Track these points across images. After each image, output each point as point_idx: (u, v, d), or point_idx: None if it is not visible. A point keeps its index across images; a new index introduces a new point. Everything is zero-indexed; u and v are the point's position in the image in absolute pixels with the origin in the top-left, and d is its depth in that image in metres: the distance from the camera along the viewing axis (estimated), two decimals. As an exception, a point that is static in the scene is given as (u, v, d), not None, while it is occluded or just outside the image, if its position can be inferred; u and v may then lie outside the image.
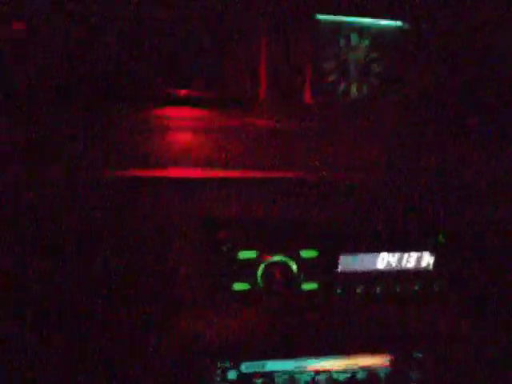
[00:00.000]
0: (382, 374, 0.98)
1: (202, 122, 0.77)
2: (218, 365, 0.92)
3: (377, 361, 0.98)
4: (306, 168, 0.78)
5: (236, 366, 0.92)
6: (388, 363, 0.98)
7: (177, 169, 0.78)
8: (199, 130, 0.77)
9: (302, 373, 0.95)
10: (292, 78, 0.75)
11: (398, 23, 0.83)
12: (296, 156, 0.77)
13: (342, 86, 0.81)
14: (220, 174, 0.77)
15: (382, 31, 0.83)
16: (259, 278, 0.86)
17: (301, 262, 0.87)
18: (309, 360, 0.94)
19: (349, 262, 0.90)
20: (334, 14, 0.78)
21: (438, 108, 0.83)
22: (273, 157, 0.76)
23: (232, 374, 0.93)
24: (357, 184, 0.80)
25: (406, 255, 0.91)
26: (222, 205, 0.81)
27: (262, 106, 0.75)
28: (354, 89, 0.81)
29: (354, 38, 0.83)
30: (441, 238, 0.91)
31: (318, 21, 0.80)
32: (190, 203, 0.81)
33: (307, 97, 0.76)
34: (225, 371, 0.92)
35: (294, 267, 0.87)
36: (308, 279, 0.89)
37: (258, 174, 0.78)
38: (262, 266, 0.86)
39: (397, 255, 0.91)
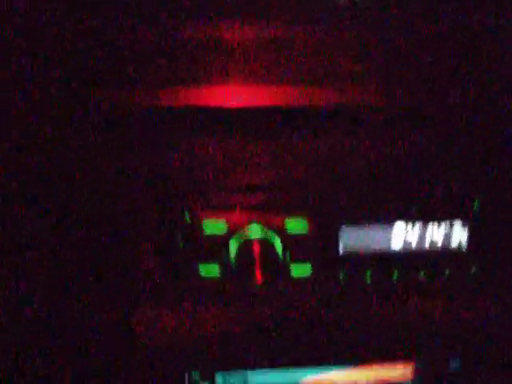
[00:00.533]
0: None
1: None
2: (186, 376, 0.70)
3: (398, 372, 0.74)
4: (287, 90, 0.57)
5: (209, 378, 0.71)
6: (414, 374, 0.74)
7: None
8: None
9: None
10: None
11: None
12: (274, 70, 0.56)
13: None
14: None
15: None
16: (232, 261, 0.65)
17: (287, 237, 0.65)
18: (305, 371, 0.72)
19: (353, 238, 0.67)
20: None
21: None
22: (244, 71, 0.56)
23: (204, 389, 0.71)
24: (359, 116, 0.58)
25: (430, 230, 0.68)
26: (174, 152, 0.60)
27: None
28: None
29: None
30: (477, 204, 0.68)
31: None
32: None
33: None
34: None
35: (279, 245, 0.65)
36: (298, 262, 0.67)
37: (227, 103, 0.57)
38: (234, 244, 0.65)
39: (418, 231, 0.68)
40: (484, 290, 0.71)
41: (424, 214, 0.66)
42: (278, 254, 0.65)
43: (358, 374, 0.73)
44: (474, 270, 0.70)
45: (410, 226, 0.67)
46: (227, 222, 0.64)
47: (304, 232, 0.65)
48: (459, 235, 0.69)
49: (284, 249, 0.65)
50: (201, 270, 0.66)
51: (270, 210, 0.64)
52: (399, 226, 0.67)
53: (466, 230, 0.69)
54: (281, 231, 0.65)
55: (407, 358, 0.74)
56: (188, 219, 0.64)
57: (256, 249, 0.64)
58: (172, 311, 0.68)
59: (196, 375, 0.70)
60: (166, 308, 0.68)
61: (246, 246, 0.64)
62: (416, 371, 0.74)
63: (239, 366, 0.71)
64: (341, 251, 0.67)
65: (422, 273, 0.69)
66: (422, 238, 0.68)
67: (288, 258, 0.66)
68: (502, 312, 0.70)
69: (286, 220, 0.65)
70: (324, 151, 0.61)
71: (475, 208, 0.67)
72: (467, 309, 0.71)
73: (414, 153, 0.63)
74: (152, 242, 0.65)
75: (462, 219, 0.68)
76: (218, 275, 0.66)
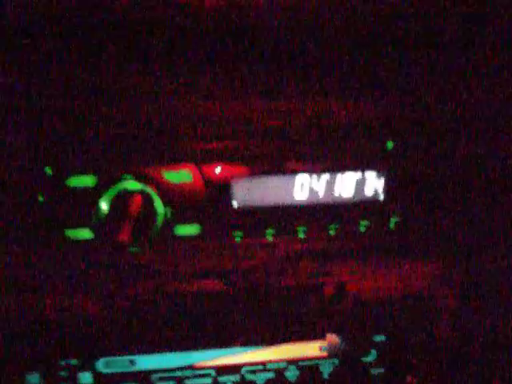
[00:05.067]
0: (325, 370, 0.64)
1: None
2: (62, 363, 0.60)
3: (314, 350, 0.64)
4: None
5: (89, 365, 0.60)
6: (333, 352, 0.64)
7: None
8: None
9: (193, 373, 0.62)
10: None
11: None
12: None
13: None
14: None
15: None
16: (104, 220, 0.55)
17: (168, 188, 0.56)
18: (203, 352, 0.62)
19: (246, 191, 0.58)
20: None
21: None
22: None
23: (84, 377, 0.60)
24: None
25: (339, 177, 0.59)
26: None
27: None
28: None
29: None
30: (390, 144, 0.59)
31: None
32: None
33: None
34: (73, 372, 0.60)
35: (157, 198, 0.56)
36: (184, 219, 0.57)
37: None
38: (106, 200, 0.55)
39: (325, 178, 0.59)
40: (409, 250, 0.62)
41: (332, 164, 0.58)
42: (158, 209, 0.55)
43: (268, 352, 0.63)
44: (393, 226, 0.61)
45: (314, 177, 0.58)
46: (97, 175, 0.55)
47: (187, 182, 0.56)
48: (374, 185, 0.60)
49: (165, 203, 0.56)
50: (67, 232, 0.56)
51: (146, 159, 0.55)
52: (301, 177, 0.58)
53: (382, 179, 0.60)
54: (159, 181, 0.56)
55: (328, 332, 0.64)
56: (50, 174, 0.55)
57: (133, 205, 0.55)
58: (36, 281, 0.57)
59: (73, 362, 0.60)
60: (27, 277, 0.57)
61: (120, 202, 0.55)
62: (339, 347, 0.64)
63: (127, 350, 0.61)
64: (235, 208, 0.58)
65: (332, 227, 0.60)
66: (330, 188, 0.59)
67: (171, 216, 0.56)
68: (430, 273, 0.61)
69: (166, 168, 0.56)
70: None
71: (387, 151, 0.58)
72: (389, 271, 0.62)
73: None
74: (12, 202, 0.55)
75: (375, 169, 0.59)
76: (89, 238, 0.56)
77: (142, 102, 0.55)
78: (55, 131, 0.54)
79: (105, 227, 0.55)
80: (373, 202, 0.60)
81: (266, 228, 0.59)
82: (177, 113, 0.56)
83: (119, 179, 0.55)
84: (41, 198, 0.55)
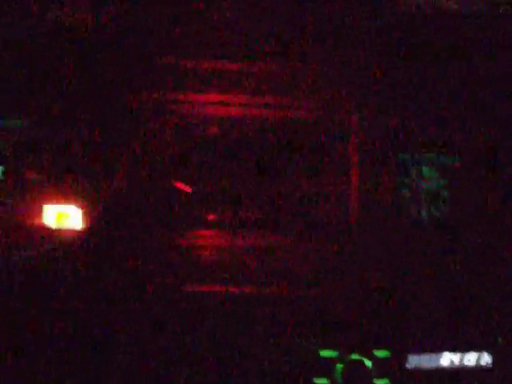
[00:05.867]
0: None
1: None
2: None
3: None
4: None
5: None
6: None
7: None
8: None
9: None
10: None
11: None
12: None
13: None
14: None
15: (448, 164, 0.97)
16: (338, 375, 0.99)
17: (375, 360, 0.99)
18: None
19: (416, 361, 1.02)
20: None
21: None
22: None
23: None
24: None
25: (467, 354, 1.02)
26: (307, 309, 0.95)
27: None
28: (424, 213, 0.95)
29: (425, 169, 0.97)
30: (500, 340, 1.02)
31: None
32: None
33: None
34: None
35: (369, 365, 0.99)
36: (380, 375, 1.01)
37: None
38: (341, 364, 0.98)
39: (459, 354, 1.02)
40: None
41: (462, 348, 1.01)
42: (369, 370, 0.99)
43: None
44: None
45: (453, 354, 1.02)
46: (337, 350, 0.98)
47: (385, 357, 0.99)
48: (486, 359, 1.03)
49: (372, 367, 0.99)
50: (314, 380, 0.99)
51: (364, 344, 0.98)
52: (446, 354, 1.02)
53: (491, 357, 1.03)
54: (371, 356, 0.99)
55: None
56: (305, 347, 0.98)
57: (354, 368, 0.98)
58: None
59: None
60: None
61: (349, 365, 0.98)
62: None
63: None
64: (408, 369, 1.01)
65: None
66: (461, 360, 1.03)
67: (374, 373, 1.00)
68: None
69: (375, 350, 0.99)
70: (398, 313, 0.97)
71: (498, 344, 1.02)
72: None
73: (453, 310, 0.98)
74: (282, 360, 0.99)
75: (488, 351, 1.02)
76: (327, 384, 1.00)
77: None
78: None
79: (339, 380, 0.99)
80: (485, 368, 1.03)
81: (424, 382, 1.03)
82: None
83: (349, 354, 0.98)
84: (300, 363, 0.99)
